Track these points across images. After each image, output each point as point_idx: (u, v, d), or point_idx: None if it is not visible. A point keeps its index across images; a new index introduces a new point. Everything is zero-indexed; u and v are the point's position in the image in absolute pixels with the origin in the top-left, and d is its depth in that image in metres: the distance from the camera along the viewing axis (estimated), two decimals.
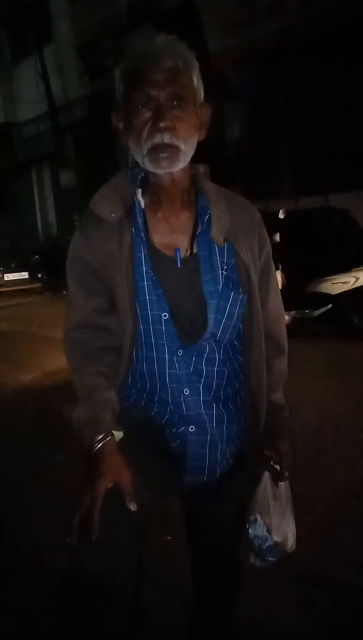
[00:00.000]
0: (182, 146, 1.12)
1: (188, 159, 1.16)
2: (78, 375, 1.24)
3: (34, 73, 14.53)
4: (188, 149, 1.14)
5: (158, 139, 1.11)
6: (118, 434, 1.17)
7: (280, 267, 5.77)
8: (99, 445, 1.13)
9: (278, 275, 5.98)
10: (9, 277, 12.42)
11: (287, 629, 1.87)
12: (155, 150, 1.12)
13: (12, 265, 12.60)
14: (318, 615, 1.92)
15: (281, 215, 6.41)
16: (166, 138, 1.10)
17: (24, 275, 12.56)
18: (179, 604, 1.89)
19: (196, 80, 1.15)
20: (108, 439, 1.14)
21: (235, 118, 10.35)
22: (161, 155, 1.12)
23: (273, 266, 1.34)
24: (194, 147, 1.17)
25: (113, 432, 1.16)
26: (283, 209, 6.52)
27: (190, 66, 1.13)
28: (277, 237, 6.01)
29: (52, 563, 2.20)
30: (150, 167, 1.15)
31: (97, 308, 1.24)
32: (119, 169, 1.35)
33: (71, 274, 1.25)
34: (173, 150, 1.12)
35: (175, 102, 1.11)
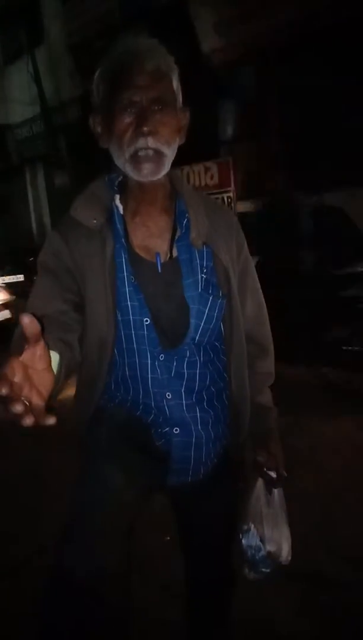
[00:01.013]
0: (166, 151, 1.12)
1: (170, 164, 1.16)
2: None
3: (26, 74, 14.48)
4: (170, 154, 1.14)
5: (141, 143, 1.10)
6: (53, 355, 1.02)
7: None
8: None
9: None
10: (4, 279, 12.36)
11: (286, 627, 1.87)
12: (138, 159, 1.11)
13: (8, 268, 12.53)
14: (317, 614, 1.92)
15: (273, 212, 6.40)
16: (150, 142, 1.10)
17: (20, 277, 12.50)
18: (178, 604, 1.89)
19: (176, 85, 1.15)
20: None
21: (228, 116, 10.34)
22: (145, 164, 1.11)
23: (253, 269, 1.34)
24: (175, 152, 1.17)
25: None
26: (276, 207, 6.51)
27: (171, 70, 1.13)
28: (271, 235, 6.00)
29: (51, 566, 2.20)
30: (133, 175, 1.14)
31: (61, 306, 1.19)
32: (112, 169, 1.34)
33: (44, 265, 1.23)
34: (156, 157, 1.11)
35: (157, 106, 1.10)
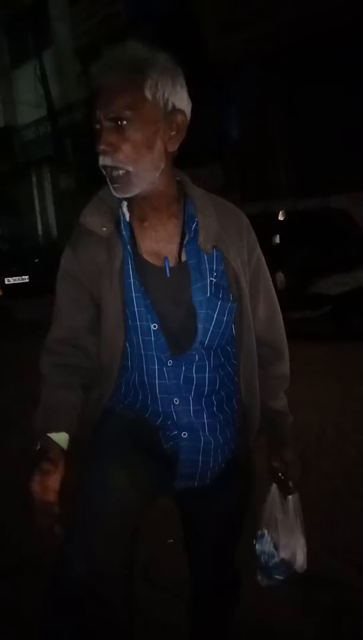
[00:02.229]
0: (130, 168, 1.10)
1: (148, 178, 1.13)
2: (43, 383, 1.25)
3: (33, 76, 14.54)
4: (140, 169, 1.11)
5: (101, 161, 1.11)
6: (58, 436, 1.17)
7: (281, 268, 5.77)
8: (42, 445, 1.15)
9: (279, 276, 5.99)
10: (9, 280, 12.38)
11: (288, 629, 1.87)
12: (108, 177, 1.12)
13: (13, 269, 12.54)
14: (319, 616, 1.92)
15: (281, 217, 6.42)
16: (107, 161, 1.10)
17: (25, 278, 12.52)
18: (182, 605, 1.89)
19: (154, 92, 1.09)
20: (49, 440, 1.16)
21: (233, 118, 10.35)
22: (114, 185, 1.12)
23: (265, 270, 1.32)
24: (159, 163, 1.13)
25: (50, 435, 1.16)
26: (282, 210, 6.53)
27: (141, 80, 1.08)
28: (277, 239, 6.02)
29: (53, 566, 2.20)
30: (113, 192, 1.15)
31: (81, 326, 1.25)
32: None
33: (59, 289, 1.27)
34: (123, 178, 1.11)
35: (119, 122, 1.08)
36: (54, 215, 17.09)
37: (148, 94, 1.09)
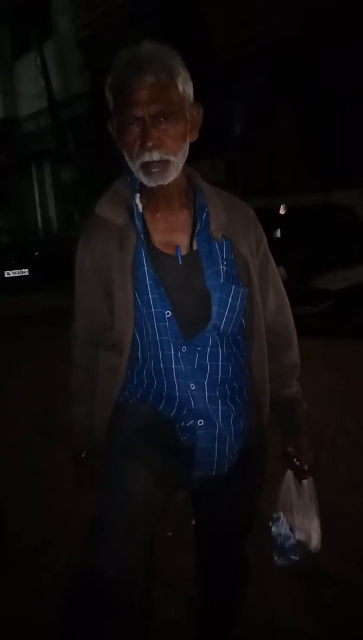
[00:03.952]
0: (172, 158, 1.17)
1: (181, 166, 1.20)
2: (77, 387, 1.40)
3: (34, 68, 14.47)
4: (178, 159, 1.18)
5: (146, 157, 1.15)
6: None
7: (282, 263, 5.75)
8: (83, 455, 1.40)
9: (280, 271, 5.97)
10: (9, 273, 12.36)
11: (288, 626, 1.87)
12: (146, 167, 1.16)
13: (13, 262, 12.52)
14: (320, 612, 1.92)
15: (282, 211, 6.40)
16: (155, 156, 1.15)
17: (25, 272, 12.50)
18: (180, 601, 1.90)
19: (183, 86, 1.16)
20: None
21: (236, 112, 10.32)
22: (153, 170, 1.16)
23: (272, 260, 1.36)
24: (186, 153, 1.20)
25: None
26: (283, 205, 6.51)
27: (175, 75, 1.15)
28: (278, 234, 6.00)
29: (54, 559, 2.21)
30: (144, 182, 1.19)
31: (97, 324, 1.30)
32: (120, 165, 1.38)
33: (76, 285, 1.33)
34: (163, 165, 1.16)
35: (161, 119, 1.14)
36: (55, 208, 17.05)
37: (180, 88, 1.16)
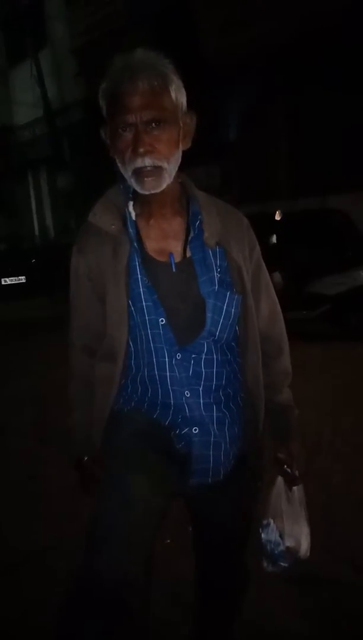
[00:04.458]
0: (165, 165, 1.17)
1: (173, 174, 1.20)
2: (75, 395, 1.39)
3: (30, 76, 14.52)
4: (171, 166, 1.18)
5: (139, 163, 1.15)
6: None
7: (278, 268, 5.78)
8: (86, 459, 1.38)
9: (277, 276, 6.00)
10: (6, 281, 12.36)
11: (286, 629, 1.87)
12: (139, 174, 1.16)
13: (9, 269, 12.52)
14: (317, 615, 1.92)
15: (278, 217, 6.43)
16: (147, 162, 1.15)
17: (22, 279, 12.50)
18: (179, 606, 1.90)
19: (176, 94, 1.17)
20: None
21: (231, 118, 10.36)
22: (146, 179, 1.17)
23: (264, 268, 1.37)
24: (179, 160, 1.21)
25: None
26: (279, 211, 6.54)
27: (168, 83, 1.16)
28: (274, 239, 6.02)
29: (52, 564, 2.20)
30: (137, 189, 1.19)
31: (92, 331, 1.31)
32: (116, 172, 1.39)
33: (71, 293, 1.33)
34: (156, 172, 1.16)
35: (154, 124, 1.14)
36: (51, 216, 17.07)
37: (173, 96, 1.17)
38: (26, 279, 12.40)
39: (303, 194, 8.47)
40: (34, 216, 17.77)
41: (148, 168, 1.15)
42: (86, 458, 1.38)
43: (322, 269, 5.99)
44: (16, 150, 17.01)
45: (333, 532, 2.38)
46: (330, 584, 2.07)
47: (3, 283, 12.30)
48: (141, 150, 1.14)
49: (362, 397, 4.09)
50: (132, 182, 1.19)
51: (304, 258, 6.17)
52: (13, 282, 12.41)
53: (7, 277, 12.36)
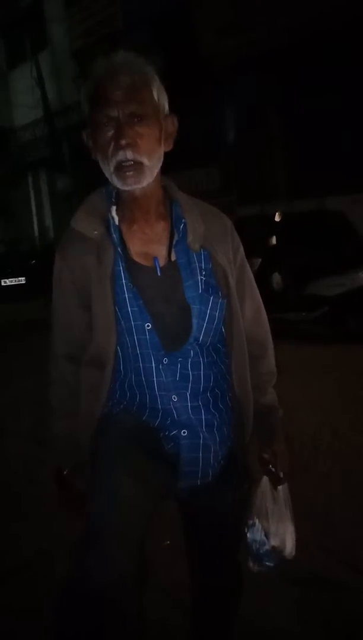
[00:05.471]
0: (146, 161, 1.16)
1: (155, 172, 1.20)
2: (55, 407, 1.40)
3: (29, 78, 14.55)
4: (152, 163, 1.18)
5: (120, 156, 1.15)
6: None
7: (277, 270, 5.79)
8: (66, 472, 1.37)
9: (275, 278, 6.01)
10: (6, 282, 12.37)
11: (284, 630, 1.87)
12: (121, 168, 1.16)
13: (9, 271, 12.53)
14: (316, 617, 1.92)
15: (277, 218, 6.44)
16: (129, 154, 1.15)
17: (21, 280, 12.51)
18: (178, 608, 1.90)
19: (157, 94, 1.18)
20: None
21: (230, 120, 10.38)
22: (127, 173, 1.16)
23: (249, 269, 1.37)
24: (161, 160, 1.21)
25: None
26: (279, 212, 6.55)
27: (149, 82, 1.16)
28: (273, 241, 6.03)
29: (52, 568, 2.20)
30: (118, 185, 1.19)
31: (76, 338, 1.30)
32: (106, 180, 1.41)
33: (54, 299, 1.32)
34: (137, 167, 1.16)
35: (135, 119, 1.15)
36: (51, 217, 17.09)
37: (155, 95, 1.17)
38: (26, 280, 12.42)
39: (301, 195, 8.48)
40: (34, 217, 17.79)
41: (130, 162, 1.15)
42: (65, 471, 1.36)
43: (321, 270, 6.00)
44: (16, 152, 17.03)
45: (333, 534, 2.38)
46: (330, 584, 2.07)
47: (3, 284, 12.32)
48: (123, 142, 1.13)
49: (360, 398, 4.10)
50: (113, 179, 1.18)
51: (303, 259, 6.17)
52: (13, 283, 12.43)
53: (7, 278, 12.37)
